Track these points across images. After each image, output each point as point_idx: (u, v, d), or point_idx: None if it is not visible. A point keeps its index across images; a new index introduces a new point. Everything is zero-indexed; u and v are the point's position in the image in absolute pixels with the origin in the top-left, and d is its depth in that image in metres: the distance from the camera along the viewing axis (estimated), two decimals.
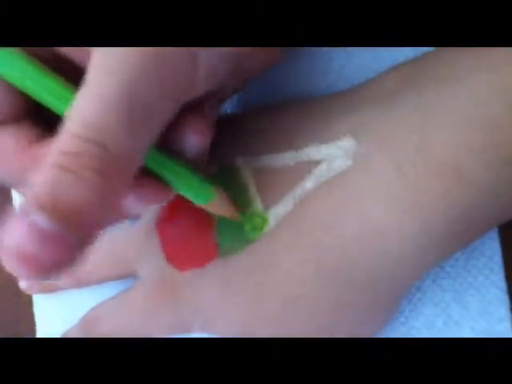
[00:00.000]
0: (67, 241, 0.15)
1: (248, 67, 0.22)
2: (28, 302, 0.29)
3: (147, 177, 0.19)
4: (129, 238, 0.25)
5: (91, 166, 0.15)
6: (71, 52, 0.19)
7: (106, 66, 0.16)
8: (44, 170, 0.15)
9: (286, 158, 0.22)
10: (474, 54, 0.20)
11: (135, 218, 0.25)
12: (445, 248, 0.21)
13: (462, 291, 0.24)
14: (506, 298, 0.23)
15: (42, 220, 0.14)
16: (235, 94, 0.26)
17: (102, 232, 0.16)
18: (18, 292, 0.28)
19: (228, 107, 0.27)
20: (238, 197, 0.23)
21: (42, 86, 0.18)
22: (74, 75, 0.18)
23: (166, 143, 0.19)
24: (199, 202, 0.21)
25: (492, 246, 0.24)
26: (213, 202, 0.21)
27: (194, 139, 0.20)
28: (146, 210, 0.25)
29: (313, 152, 0.22)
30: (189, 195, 0.20)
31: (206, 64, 0.18)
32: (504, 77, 0.19)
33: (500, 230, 0.24)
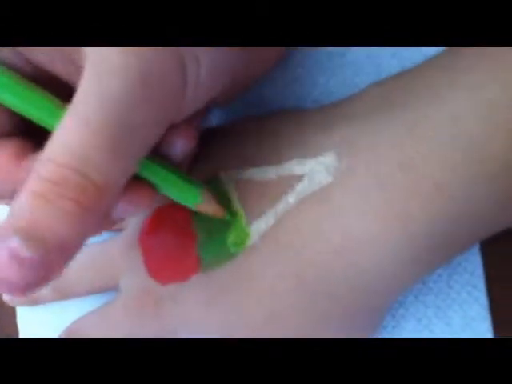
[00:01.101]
0: (42, 266, 0.15)
1: (239, 81, 0.22)
2: (11, 313, 0.28)
3: (132, 180, 0.18)
4: (111, 251, 0.25)
5: (71, 196, 0.15)
6: (55, 67, 0.19)
7: (94, 91, 0.16)
8: (23, 195, 0.15)
9: (268, 172, 0.22)
10: (454, 70, 0.20)
11: (118, 228, 0.25)
12: (426, 262, 0.21)
13: (445, 307, 0.24)
14: (487, 314, 0.23)
15: (17, 245, 0.15)
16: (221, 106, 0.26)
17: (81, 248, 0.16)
18: (1, 303, 0.28)
19: (213, 119, 0.27)
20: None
21: (25, 100, 0.18)
22: (58, 90, 0.18)
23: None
24: (187, 203, 0.21)
25: (474, 262, 0.24)
26: (200, 203, 0.21)
27: (181, 144, 0.20)
28: (129, 221, 0.25)
29: (295, 166, 0.22)
30: (176, 196, 0.21)
31: (194, 87, 0.18)
32: (483, 94, 0.19)
33: (482, 245, 0.24)
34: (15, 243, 0.15)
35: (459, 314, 0.24)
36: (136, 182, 0.19)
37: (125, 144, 0.16)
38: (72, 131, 0.16)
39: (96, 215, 0.16)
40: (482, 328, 0.23)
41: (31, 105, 0.18)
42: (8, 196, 0.18)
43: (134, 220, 0.25)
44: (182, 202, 0.21)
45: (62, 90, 0.18)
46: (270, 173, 0.22)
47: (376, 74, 0.25)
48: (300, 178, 0.22)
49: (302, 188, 0.21)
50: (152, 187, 0.19)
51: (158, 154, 0.20)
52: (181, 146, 0.20)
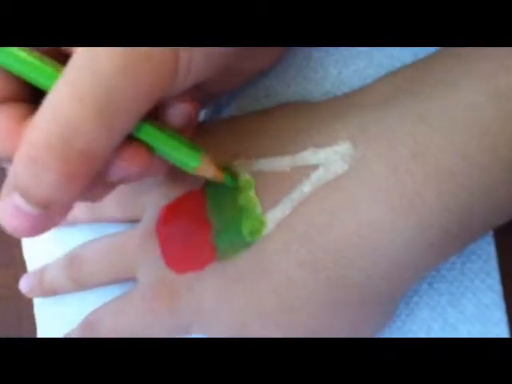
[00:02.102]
0: (41, 219, 0.17)
1: (242, 66, 0.22)
2: (29, 304, 0.29)
3: (127, 140, 0.19)
4: (128, 242, 0.25)
5: (55, 163, 0.16)
6: None
7: (83, 63, 0.17)
8: (18, 157, 0.17)
9: (283, 162, 0.23)
10: (468, 59, 0.20)
11: (135, 219, 0.26)
12: (440, 250, 0.21)
13: (459, 295, 0.24)
14: (501, 301, 0.23)
15: (19, 200, 0.17)
16: (231, 97, 0.26)
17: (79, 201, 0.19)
18: (19, 295, 0.28)
19: (224, 110, 0.27)
20: (237, 200, 0.23)
21: (26, 64, 0.18)
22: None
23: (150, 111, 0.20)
24: (186, 166, 0.21)
25: (488, 250, 0.24)
26: (199, 166, 0.21)
27: (181, 108, 0.20)
28: (145, 212, 0.25)
29: (310, 156, 0.22)
30: (174, 159, 0.21)
31: (188, 62, 0.18)
32: (497, 83, 0.19)
33: (495, 233, 0.24)
34: (17, 199, 0.17)
35: (473, 301, 0.24)
36: (132, 143, 0.19)
37: (112, 115, 0.17)
38: (60, 99, 0.17)
39: (82, 180, 0.17)
40: (495, 316, 0.23)
41: (32, 68, 0.18)
42: (9, 158, 0.19)
43: (149, 211, 0.25)
44: (181, 166, 0.21)
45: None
46: (285, 163, 0.23)
47: (388, 64, 0.25)
48: (315, 167, 0.22)
49: (317, 177, 0.22)
50: (148, 148, 0.20)
51: (157, 119, 0.20)
52: (181, 110, 0.20)
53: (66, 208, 0.18)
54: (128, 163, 0.19)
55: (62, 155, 0.16)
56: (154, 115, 0.20)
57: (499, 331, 0.24)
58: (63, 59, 0.18)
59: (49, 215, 0.18)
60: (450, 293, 0.24)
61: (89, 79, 0.16)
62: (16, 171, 0.17)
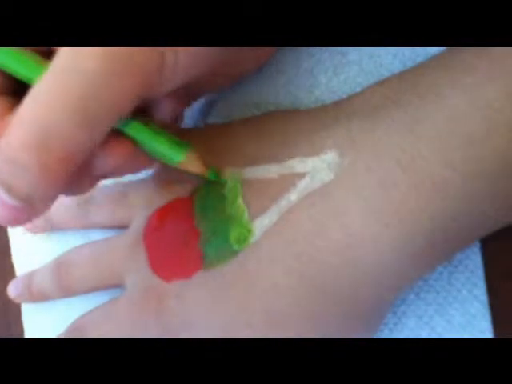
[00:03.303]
0: (24, 211, 0.18)
1: (229, 66, 0.22)
2: (17, 310, 0.29)
3: (112, 133, 0.19)
4: (116, 249, 0.25)
5: (32, 162, 0.17)
6: None
7: (65, 62, 0.17)
8: (0, 154, 0.17)
9: (271, 170, 0.23)
10: (454, 70, 0.20)
11: (123, 225, 0.26)
12: (427, 260, 0.21)
13: (446, 305, 0.24)
14: (487, 311, 0.23)
15: (1, 193, 0.18)
16: (221, 105, 0.26)
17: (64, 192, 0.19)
18: (7, 301, 0.28)
19: (213, 117, 0.27)
20: (225, 208, 0.23)
21: (12, 59, 0.18)
22: None
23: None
24: (170, 161, 0.21)
25: (475, 261, 0.24)
26: (184, 161, 0.21)
27: (166, 103, 0.20)
28: (133, 218, 0.25)
29: (298, 164, 0.22)
30: (160, 154, 0.21)
31: (174, 63, 0.18)
32: (482, 94, 0.19)
33: (482, 244, 0.24)
34: (1, 192, 0.17)
35: (460, 311, 0.24)
36: (116, 136, 0.19)
37: (91, 116, 0.17)
38: (39, 100, 0.17)
39: (62, 178, 0.17)
40: (482, 325, 0.23)
41: (18, 63, 0.18)
42: None
43: (138, 218, 0.25)
44: (166, 160, 0.21)
45: None
46: (272, 171, 0.23)
47: (378, 73, 0.25)
48: (302, 175, 0.22)
49: (304, 185, 0.22)
50: (132, 142, 0.20)
51: (144, 114, 0.20)
52: (167, 106, 0.21)
53: (50, 201, 0.19)
54: (112, 157, 0.19)
55: (40, 156, 0.17)
56: (141, 110, 0.20)
57: None
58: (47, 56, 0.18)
59: (32, 207, 0.18)
60: (438, 303, 0.24)
61: (69, 80, 0.17)
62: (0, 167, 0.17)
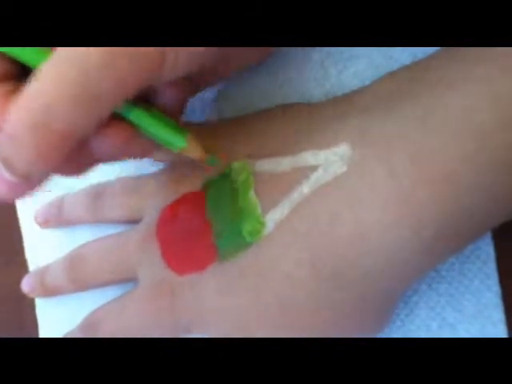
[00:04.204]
0: (22, 186, 0.19)
1: (235, 57, 0.22)
2: (31, 305, 0.29)
3: (112, 117, 0.19)
4: (129, 243, 0.25)
5: (32, 141, 0.17)
6: None
7: (69, 50, 0.17)
8: (3, 130, 0.18)
9: (283, 163, 0.23)
10: (465, 62, 0.20)
11: (135, 219, 0.26)
12: (438, 251, 0.21)
13: (458, 295, 0.24)
14: (500, 302, 0.24)
15: (2, 169, 0.18)
16: (230, 98, 0.27)
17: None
18: (21, 296, 0.28)
19: (223, 111, 0.27)
20: (237, 201, 0.23)
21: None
22: None
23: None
24: (171, 146, 0.21)
25: (487, 251, 0.24)
26: (184, 147, 0.21)
27: (169, 92, 0.21)
28: (146, 212, 0.25)
29: (310, 157, 0.22)
30: (160, 139, 0.21)
31: (175, 55, 0.18)
32: (494, 86, 0.19)
33: (494, 234, 0.24)
34: (1, 168, 0.18)
35: (472, 302, 0.24)
36: (116, 120, 0.20)
37: (90, 100, 0.17)
38: (42, 81, 0.17)
39: (58, 157, 0.18)
40: (494, 316, 0.24)
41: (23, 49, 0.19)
42: None
43: (150, 212, 0.25)
44: (167, 146, 0.21)
45: None
46: (285, 164, 0.23)
47: (388, 66, 0.25)
48: (314, 168, 0.22)
49: (316, 178, 0.22)
50: (132, 126, 0.20)
51: (145, 101, 0.21)
52: (169, 94, 0.21)
53: (45, 178, 0.20)
54: (110, 138, 0.20)
55: (39, 134, 0.17)
56: (143, 98, 0.20)
57: (497, 331, 0.24)
58: None
59: (28, 183, 0.19)
60: (449, 293, 0.24)
61: (72, 63, 0.17)
62: (1, 143, 0.18)
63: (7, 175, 0.18)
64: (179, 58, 0.18)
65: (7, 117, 0.18)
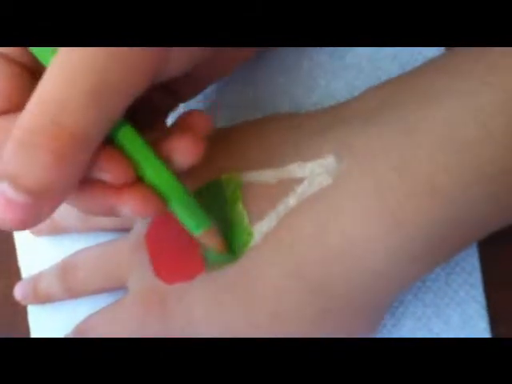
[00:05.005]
0: (31, 208, 0.17)
1: (228, 56, 0.23)
2: (24, 312, 0.29)
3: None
4: (120, 251, 0.26)
5: (45, 145, 0.16)
6: None
7: (76, 48, 0.17)
8: (9, 142, 0.17)
9: (270, 175, 0.23)
10: (450, 75, 0.21)
11: (126, 227, 0.26)
12: (424, 263, 0.21)
13: (443, 306, 0.24)
14: (485, 312, 0.24)
15: (7, 189, 0.17)
16: (219, 107, 0.27)
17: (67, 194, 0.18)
18: (14, 302, 0.29)
19: (216, 119, 0.27)
20: (225, 212, 0.23)
21: None
22: None
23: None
24: (192, 228, 0.22)
25: (471, 262, 0.24)
26: (204, 232, 0.22)
27: (184, 156, 0.21)
28: (136, 221, 0.26)
29: (296, 169, 0.22)
30: (184, 220, 0.21)
31: (179, 50, 0.19)
32: (477, 100, 0.19)
33: (479, 245, 0.24)
34: (6, 187, 0.17)
35: (457, 312, 0.24)
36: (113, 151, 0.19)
37: (102, 96, 0.17)
38: (51, 82, 0.17)
39: (72, 164, 0.17)
40: (479, 326, 0.24)
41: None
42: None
43: (140, 221, 0.25)
44: (188, 226, 0.22)
45: None
46: (271, 176, 0.23)
47: (376, 77, 0.25)
48: (300, 180, 0.22)
49: (302, 190, 0.22)
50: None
51: (179, 174, 0.21)
52: (185, 158, 0.21)
53: (57, 198, 0.18)
54: (133, 204, 0.20)
55: (52, 135, 0.16)
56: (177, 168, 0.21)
57: None
58: None
59: (38, 205, 0.17)
60: (435, 304, 0.24)
61: (81, 61, 0.17)
62: (5, 158, 0.17)
63: (14, 195, 0.17)
64: (183, 53, 0.19)
65: (15, 126, 0.17)
